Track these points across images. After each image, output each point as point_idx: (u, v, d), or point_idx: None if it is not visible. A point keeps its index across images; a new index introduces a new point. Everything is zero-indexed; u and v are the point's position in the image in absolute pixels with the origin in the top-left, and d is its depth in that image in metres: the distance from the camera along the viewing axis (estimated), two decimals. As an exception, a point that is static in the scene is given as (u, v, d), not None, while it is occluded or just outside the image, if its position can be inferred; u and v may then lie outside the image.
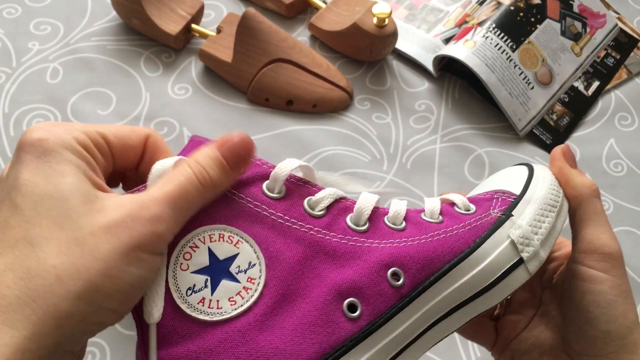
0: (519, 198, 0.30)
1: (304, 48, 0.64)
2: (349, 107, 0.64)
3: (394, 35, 0.64)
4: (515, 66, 0.64)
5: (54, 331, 0.21)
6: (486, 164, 0.61)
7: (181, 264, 0.26)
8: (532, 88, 0.65)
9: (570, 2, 0.70)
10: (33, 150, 0.23)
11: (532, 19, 0.67)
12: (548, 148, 0.63)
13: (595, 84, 0.68)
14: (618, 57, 0.71)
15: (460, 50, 0.64)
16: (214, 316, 0.25)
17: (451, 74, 0.68)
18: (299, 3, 0.70)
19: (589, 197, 0.31)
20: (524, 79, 0.64)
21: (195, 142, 0.56)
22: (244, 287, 0.26)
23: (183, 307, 0.25)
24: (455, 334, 0.51)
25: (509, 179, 0.33)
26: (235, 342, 0.25)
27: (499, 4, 0.68)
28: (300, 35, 0.70)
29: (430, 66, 0.67)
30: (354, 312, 0.26)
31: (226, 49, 0.63)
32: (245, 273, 0.26)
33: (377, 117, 0.64)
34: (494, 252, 0.28)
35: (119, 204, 0.24)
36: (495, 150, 0.63)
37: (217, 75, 0.65)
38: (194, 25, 0.66)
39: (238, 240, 0.26)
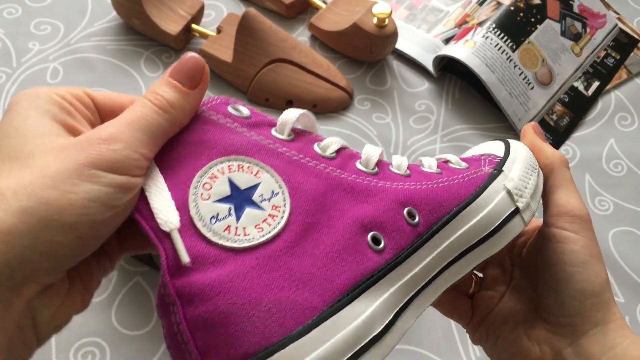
0: (504, 158, 0.32)
1: (304, 48, 0.64)
2: (349, 107, 0.64)
3: (394, 35, 0.64)
4: (515, 66, 0.64)
5: None
6: (486, 164, 0.61)
7: (201, 194, 0.25)
8: (532, 88, 0.65)
9: (571, 2, 0.70)
10: (10, 104, 0.25)
11: (532, 19, 0.67)
12: (548, 148, 0.63)
13: (595, 84, 0.68)
14: (618, 57, 0.71)
15: (460, 51, 0.64)
16: (242, 243, 0.24)
17: (451, 74, 0.68)
18: (299, 3, 0.70)
19: (559, 166, 0.33)
20: (524, 79, 0.64)
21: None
22: (269, 215, 0.25)
23: (209, 235, 0.24)
24: (456, 333, 0.51)
25: (489, 147, 0.35)
26: (268, 267, 0.24)
27: (499, 4, 0.68)
28: (300, 35, 0.70)
29: (430, 66, 0.67)
30: (378, 244, 0.27)
31: (226, 49, 0.64)
32: (269, 201, 0.26)
33: (377, 117, 0.64)
34: (493, 200, 0.30)
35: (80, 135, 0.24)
36: (495, 150, 0.63)
37: (217, 75, 0.65)
38: (194, 25, 0.66)
39: (258, 170, 0.26)
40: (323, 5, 0.70)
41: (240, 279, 0.24)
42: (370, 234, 0.27)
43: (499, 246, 0.30)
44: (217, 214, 0.25)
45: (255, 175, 0.26)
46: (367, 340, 0.24)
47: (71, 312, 0.26)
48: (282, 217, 0.26)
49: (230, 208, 0.25)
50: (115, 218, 0.23)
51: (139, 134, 0.24)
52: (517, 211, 0.30)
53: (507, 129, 0.64)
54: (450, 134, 0.63)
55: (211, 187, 0.25)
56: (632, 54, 0.71)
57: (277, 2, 0.70)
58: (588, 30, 0.70)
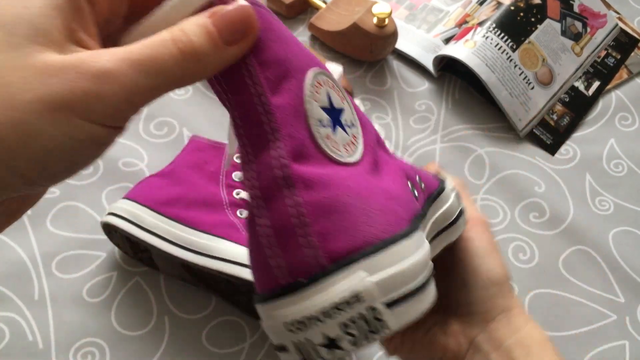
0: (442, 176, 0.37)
1: (304, 48, 0.64)
2: (349, 107, 0.64)
3: (394, 35, 0.64)
4: (515, 66, 0.64)
5: None
6: (486, 164, 0.61)
7: (313, 94, 0.24)
8: (533, 88, 0.65)
9: (571, 2, 0.70)
10: None
11: (533, 19, 0.67)
12: (548, 148, 0.63)
13: (596, 84, 0.68)
14: (618, 57, 0.71)
15: (460, 50, 0.64)
16: (337, 156, 0.24)
17: (451, 74, 0.67)
18: (299, 3, 0.70)
19: (461, 188, 0.39)
20: (524, 79, 0.64)
21: (195, 142, 0.56)
22: (351, 141, 0.25)
23: (317, 136, 0.23)
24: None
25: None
26: (361, 178, 0.24)
27: (499, 4, 0.68)
28: (300, 35, 0.70)
29: (430, 66, 0.67)
30: (414, 193, 0.28)
31: (226, 49, 0.63)
32: (350, 129, 0.25)
33: (377, 117, 0.64)
34: (450, 197, 0.34)
35: (73, 52, 0.20)
36: (496, 150, 0.63)
37: (217, 75, 0.65)
38: (193, 25, 0.66)
39: (343, 97, 0.26)
40: (323, 5, 0.70)
41: (347, 179, 0.23)
42: (409, 182, 0.28)
43: (455, 236, 0.34)
44: (322, 120, 0.24)
45: (341, 100, 0.26)
46: (428, 267, 0.25)
47: None
48: (357, 148, 0.25)
49: (329, 119, 0.24)
50: (72, 172, 0.21)
51: (141, 77, 0.20)
52: (462, 211, 0.35)
53: (508, 129, 0.64)
54: (450, 134, 0.63)
55: (318, 92, 0.24)
56: (632, 54, 0.71)
57: (277, 2, 0.70)
58: (588, 30, 0.70)
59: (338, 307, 0.21)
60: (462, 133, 0.64)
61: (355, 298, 0.21)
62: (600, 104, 0.67)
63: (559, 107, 0.66)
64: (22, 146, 0.19)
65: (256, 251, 0.23)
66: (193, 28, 0.20)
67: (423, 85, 0.67)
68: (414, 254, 0.23)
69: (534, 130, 0.64)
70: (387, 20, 0.62)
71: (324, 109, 0.24)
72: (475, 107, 0.66)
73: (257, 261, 0.23)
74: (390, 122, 0.64)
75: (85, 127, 0.19)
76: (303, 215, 0.22)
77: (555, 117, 0.65)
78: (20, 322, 0.49)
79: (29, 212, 0.43)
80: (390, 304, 0.22)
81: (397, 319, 0.22)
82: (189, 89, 0.64)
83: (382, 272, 0.22)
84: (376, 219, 0.23)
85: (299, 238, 0.22)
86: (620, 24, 0.73)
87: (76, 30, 0.20)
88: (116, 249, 0.53)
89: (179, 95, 0.63)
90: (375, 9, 0.62)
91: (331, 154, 0.23)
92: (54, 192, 0.55)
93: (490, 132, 0.64)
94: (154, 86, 0.20)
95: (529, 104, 0.64)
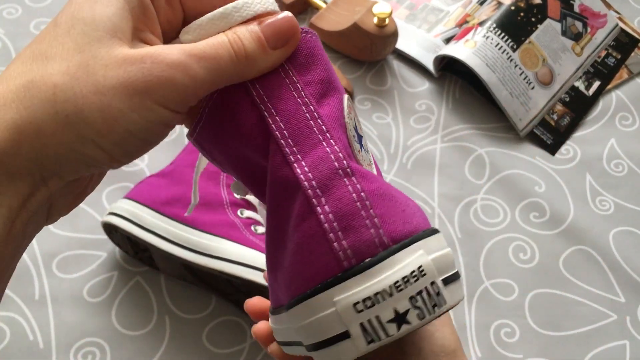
0: None
1: (305, 48, 0.64)
2: (349, 107, 0.64)
3: (394, 35, 0.64)
4: (515, 66, 0.64)
5: (33, 140, 0.21)
6: (487, 164, 0.61)
7: (349, 113, 0.26)
8: (533, 88, 0.65)
9: (571, 2, 0.70)
10: None
11: (533, 19, 0.67)
12: (549, 148, 0.63)
13: (596, 83, 0.68)
14: (619, 57, 0.71)
15: (460, 50, 0.64)
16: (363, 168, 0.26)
17: (452, 74, 0.67)
18: (299, 3, 0.70)
19: None
20: (524, 79, 0.64)
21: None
22: (369, 163, 0.27)
23: (353, 147, 0.25)
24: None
25: None
26: (387, 188, 0.25)
27: (500, 3, 0.68)
28: (301, 35, 0.70)
29: (430, 66, 0.67)
30: None
31: (226, 49, 0.63)
32: (368, 153, 0.27)
33: (377, 117, 0.64)
34: None
35: (145, 45, 0.23)
36: (496, 150, 0.63)
37: (217, 75, 0.65)
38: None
39: (361, 127, 0.28)
40: (323, 5, 0.70)
41: (380, 181, 0.25)
42: None
43: None
44: (354, 135, 0.25)
45: (360, 129, 0.27)
46: None
47: (72, 207, 0.26)
48: (373, 171, 0.27)
49: (357, 137, 0.26)
50: (145, 150, 0.24)
51: (204, 72, 0.23)
52: None
53: (508, 129, 0.64)
54: (450, 134, 0.63)
55: (351, 113, 0.26)
56: (632, 54, 0.71)
57: (277, 2, 0.69)
58: (589, 29, 0.70)
59: (408, 280, 0.22)
60: (462, 133, 0.64)
61: (420, 272, 0.23)
62: (601, 104, 0.67)
63: (559, 107, 0.66)
64: (107, 126, 0.22)
65: (314, 242, 0.23)
66: (246, 34, 0.24)
67: (423, 85, 0.67)
68: (447, 246, 0.25)
69: (534, 130, 0.64)
70: (387, 20, 0.62)
71: (353, 127, 0.26)
72: (476, 107, 0.66)
73: (314, 252, 0.23)
74: (391, 122, 0.64)
75: (157, 110, 0.22)
76: (365, 199, 0.23)
77: (555, 117, 0.65)
78: (21, 321, 0.49)
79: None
80: (445, 282, 0.23)
81: (451, 296, 0.24)
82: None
83: (436, 253, 0.24)
84: (416, 212, 0.25)
85: (363, 220, 0.23)
86: (621, 24, 0.73)
87: (143, 30, 0.24)
88: (117, 248, 0.53)
89: (179, 95, 0.63)
90: (376, 9, 0.62)
91: (362, 165, 0.25)
92: (54, 192, 0.55)
93: (491, 132, 0.64)
94: (212, 81, 0.23)
95: (529, 103, 0.64)
